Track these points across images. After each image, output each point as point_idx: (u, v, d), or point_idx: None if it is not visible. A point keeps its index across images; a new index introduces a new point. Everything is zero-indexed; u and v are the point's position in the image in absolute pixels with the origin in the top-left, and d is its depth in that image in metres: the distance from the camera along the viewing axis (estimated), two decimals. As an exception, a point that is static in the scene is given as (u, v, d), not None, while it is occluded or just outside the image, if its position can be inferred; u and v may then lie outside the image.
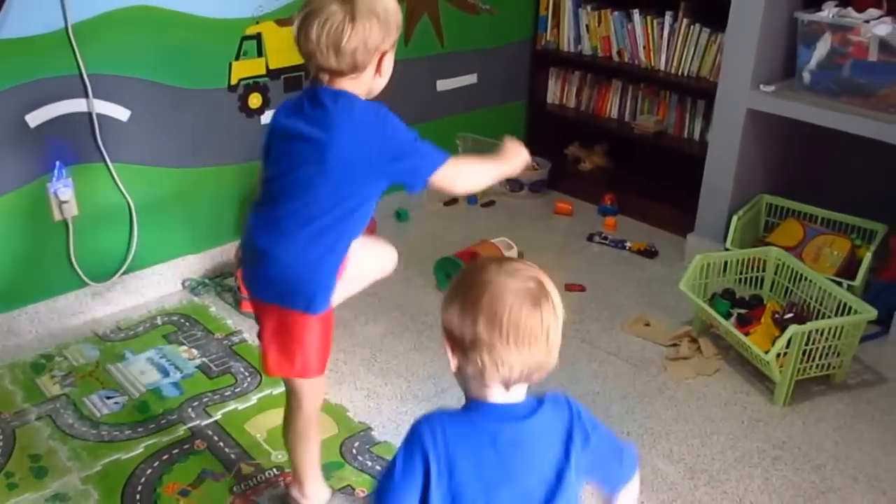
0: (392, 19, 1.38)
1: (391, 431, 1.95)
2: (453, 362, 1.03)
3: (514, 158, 1.54)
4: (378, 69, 1.40)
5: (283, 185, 1.41)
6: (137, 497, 1.74)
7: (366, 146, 1.36)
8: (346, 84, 1.38)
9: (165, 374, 2.14)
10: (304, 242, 1.40)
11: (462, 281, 1.03)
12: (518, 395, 1.04)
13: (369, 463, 1.85)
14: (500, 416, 1.02)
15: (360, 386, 2.11)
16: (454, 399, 2.05)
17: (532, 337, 0.97)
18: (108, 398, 2.04)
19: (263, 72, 2.54)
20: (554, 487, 1.04)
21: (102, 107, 2.21)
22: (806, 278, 2.28)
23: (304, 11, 1.35)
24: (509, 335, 0.97)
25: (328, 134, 1.35)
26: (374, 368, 2.18)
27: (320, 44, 1.34)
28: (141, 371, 2.14)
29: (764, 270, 2.43)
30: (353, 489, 1.78)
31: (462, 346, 0.99)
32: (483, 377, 1.00)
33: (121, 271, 2.38)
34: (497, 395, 1.02)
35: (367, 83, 1.41)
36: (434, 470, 1.00)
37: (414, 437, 1.02)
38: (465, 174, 1.47)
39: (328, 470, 1.81)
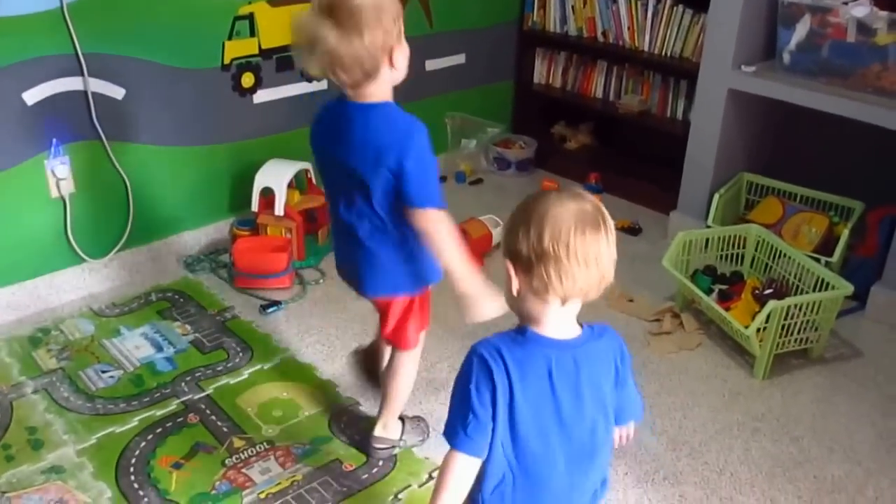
0: (384, 17, 1.31)
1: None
2: (515, 284, 1.04)
3: (471, 292, 1.46)
4: (390, 63, 1.36)
5: None
6: (131, 469, 1.67)
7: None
8: (370, 89, 1.36)
9: (159, 349, 2.05)
10: None
11: (526, 207, 1.05)
12: (571, 317, 1.06)
13: (357, 437, 1.77)
14: (555, 345, 1.05)
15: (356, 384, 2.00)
16: (444, 373, 1.99)
17: (593, 254, 1.00)
18: (104, 372, 1.96)
19: (256, 52, 2.43)
20: (603, 412, 1.09)
21: (98, 85, 2.13)
22: (785, 255, 2.21)
23: (299, 40, 1.31)
24: (574, 251, 0.99)
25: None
26: (366, 342, 2.08)
27: (325, 69, 1.32)
28: (135, 346, 2.06)
29: (744, 247, 2.35)
30: (342, 462, 1.70)
31: (527, 263, 1.00)
32: (546, 292, 1.01)
33: (116, 248, 2.30)
34: (553, 312, 1.04)
35: (387, 80, 1.38)
36: (499, 393, 1.02)
37: (478, 363, 1.03)
38: (443, 231, 1.43)
39: (316, 444, 1.75)
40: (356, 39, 1.27)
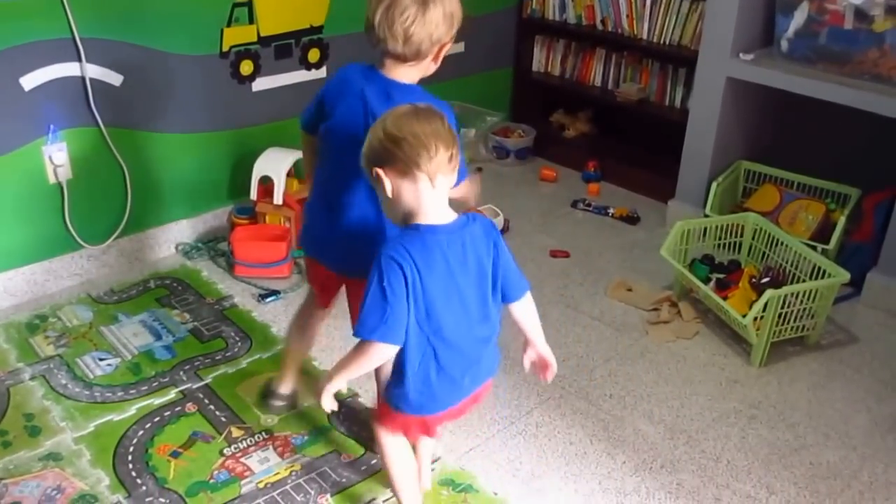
0: (456, 17, 1.44)
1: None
2: (388, 184, 1.19)
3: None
4: (436, 57, 1.45)
5: None
6: (129, 457, 1.64)
7: None
8: (406, 70, 1.42)
9: (158, 336, 2.02)
10: None
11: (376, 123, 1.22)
12: (444, 202, 1.22)
13: (355, 428, 1.74)
14: (443, 230, 1.21)
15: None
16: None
17: (432, 132, 1.17)
18: (101, 360, 1.92)
19: (255, 39, 2.38)
20: (491, 282, 1.27)
21: (96, 71, 2.09)
22: (782, 243, 2.18)
23: (384, 2, 1.38)
24: (418, 132, 1.16)
25: None
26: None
27: (394, 31, 1.37)
28: (133, 333, 2.02)
29: (742, 236, 2.32)
30: (340, 453, 1.68)
31: (388, 155, 1.17)
32: (413, 170, 1.16)
33: (115, 234, 2.26)
34: (428, 196, 1.19)
35: (425, 69, 1.46)
36: (410, 285, 1.18)
37: (387, 263, 1.18)
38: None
39: (314, 434, 1.72)
40: (431, 21, 1.38)
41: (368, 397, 1.83)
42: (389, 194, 1.19)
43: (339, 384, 1.28)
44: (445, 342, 1.24)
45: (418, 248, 1.18)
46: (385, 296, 1.17)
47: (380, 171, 1.18)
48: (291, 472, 1.62)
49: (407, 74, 1.42)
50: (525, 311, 1.35)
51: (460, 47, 2.98)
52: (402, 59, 1.40)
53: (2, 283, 2.10)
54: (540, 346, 1.38)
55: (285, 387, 1.78)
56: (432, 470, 1.62)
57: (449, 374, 1.27)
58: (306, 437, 1.71)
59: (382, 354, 1.22)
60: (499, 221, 2.52)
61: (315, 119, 1.49)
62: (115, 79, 2.13)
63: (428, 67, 1.45)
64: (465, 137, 3.05)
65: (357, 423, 1.75)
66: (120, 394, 1.82)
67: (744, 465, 1.69)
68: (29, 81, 1.98)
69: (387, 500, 1.56)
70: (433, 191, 1.18)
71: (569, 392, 1.88)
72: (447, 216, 1.22)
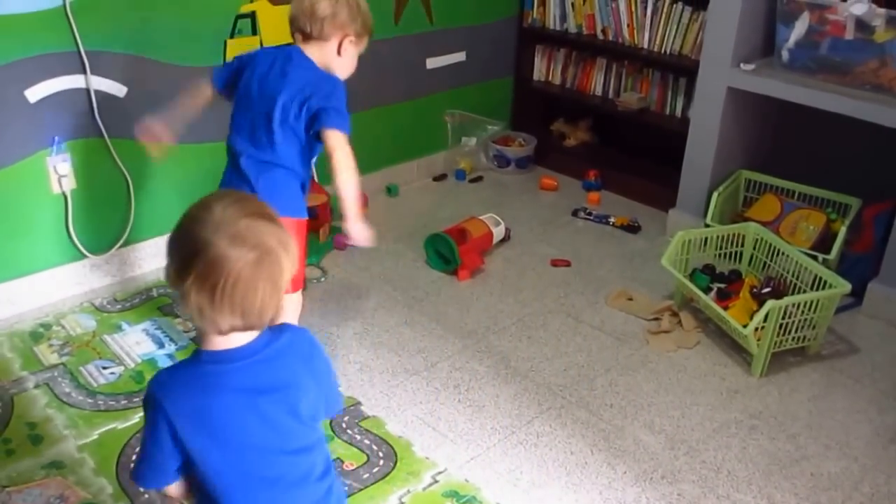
0: (361, 12, 1.63)
1: (382, 405, 1.85)
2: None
3: (354, 219, 1.62)
4: (339, 50, 1.63)
5: None
6: (132, 466, 1.64)
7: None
8: (312, 48, 1.63)
9: (160, 345, 2.03)
10: None
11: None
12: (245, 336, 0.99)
13: (358, 437, 1.75)
14: (228, 359, 0.99)
15: (353, 360, 2.00)
16: (444, 372, 1.97)
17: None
18: (104, 368, 1.93)
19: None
20: (299, 397, 1.03)
21: (100, 83, 2.10)
22: (783, 253, 2.18)
23: None
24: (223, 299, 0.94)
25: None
26: (366, 342, 2.07)
27: (303, 6, 1.60)
28: (136, 342, 2.03)
29: (743, 245, 2.32)
30: (342, 461, 1.68)
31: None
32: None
33: (118, 244, 2.27)
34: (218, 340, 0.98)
35: (328, 56, 1.63)
36: (176, 425, 0.97)
37: (151, 401, 0.98)
38: (347, 156, 1.59)
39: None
40: (335, 3, 1.60)
41: (370, 405, 1.84)
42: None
43: None
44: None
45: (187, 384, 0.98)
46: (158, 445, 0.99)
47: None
48: (293, 481, 1.63)
49: (311, 52, 1.63)
50: None
51: (461, 56, 3.01)
52: (308, 36, 1.62)
53: (6, 292, 2.11)
54: None
55: None
56: (436, 482, 1.64)
57: None
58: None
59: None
60: (500, 230, 2.53)
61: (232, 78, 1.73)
62: (119, 90, 2.14)
63: (333, 60, 1.63)
64: (466, 146, 3.07)
65: (359, 431, 1.75)
66: (123, 402, 1.82)
67: (744, 476, 1.69)
68: (34, 94, 2.00)
69: (388, 510, 1.57)
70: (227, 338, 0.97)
71: (569, 402, 1.88)
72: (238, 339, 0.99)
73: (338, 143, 1.57)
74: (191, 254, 0.92)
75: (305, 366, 1.05)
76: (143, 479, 1.03)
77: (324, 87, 1.60)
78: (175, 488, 1.05)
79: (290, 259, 0.97)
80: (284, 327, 1.06)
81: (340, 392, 1.21)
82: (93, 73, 2.07)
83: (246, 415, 0.99)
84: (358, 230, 1.62)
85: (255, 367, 1.00)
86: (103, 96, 2.12)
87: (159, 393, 0.98)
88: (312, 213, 2.44)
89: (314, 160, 1.71)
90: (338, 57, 1.62)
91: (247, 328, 0.98)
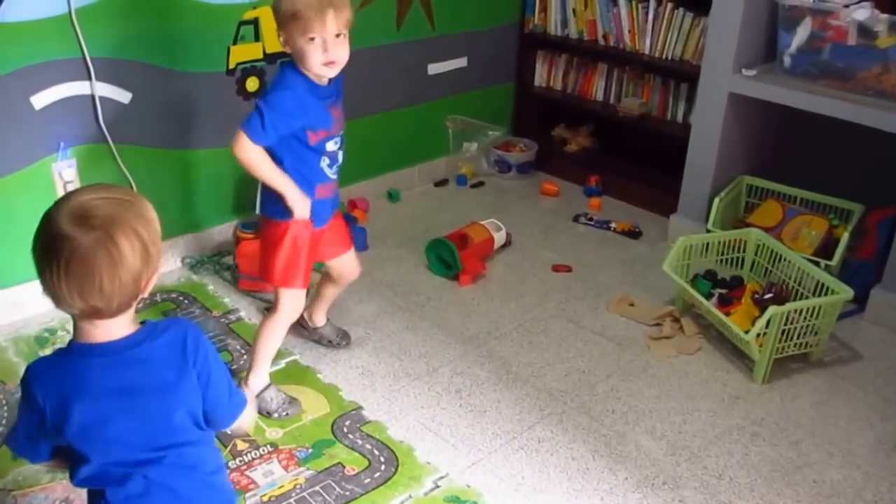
0: (281, 2, 1.58)
1: (383, 409, 1.85)
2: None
3: (294, 199, 1.67)
4: (286, 45, 1.62)
5: None
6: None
7: None
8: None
9: (164, 351, 2.02)
10: None
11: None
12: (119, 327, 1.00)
13: (359, 441, 1.75)
14: (95, 353, 0.99)
15: (355, 364, 2.00)
16: (446, 377, 1.96)
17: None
18: (109, 374, 1.93)
19: (260, 56, 2.39)
20: (169, 404, 1.02)
21: (104, 89, 2.10)
22: (785, 259, 2.17)
23: None
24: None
25: None
26: (368, 347, 2.07)
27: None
28: (141, 348, 2.03)
29: (744, 251, 2.31)
30: (344, 466, 1.68)
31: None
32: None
33: (122, 250, 2.27)
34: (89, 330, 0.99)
35: (293, 52, 1.62)
36: (48, 412, 0.99)
37: (24, 387, 1.01)
38: (246, 147, 1.62)
39: (319, 447, 1.72)
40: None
41: (372, 409, 1.83)
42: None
43: None
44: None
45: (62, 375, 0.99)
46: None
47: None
48: (296, 485, 1.62)
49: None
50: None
51: (463, 62, 3.00)
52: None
53: (11, 297, 2.11)
54: None
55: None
56: (438, 487, 1.63)
57: None
58: (310, 451, 1.71)
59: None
60: (501, 236, 2.52)
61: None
62: (123, 96, 2.15)
63: (294, 54, 1.61)
64: (467, 152, 3.08)
65: (361, 436, 1.75)
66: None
67: (746, 483, 1.68)
68: (40, 100, 2.00)
69: (389, 516, 1.57)
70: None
71: (570, 407, 1.87)
72: (109, 330, 0.99)
73: (235, 140, 1.62)
74: (39, 229, 0.96)
75: (181, 372, 1.01)
76: (17, 449, 1.07)
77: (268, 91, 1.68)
78: (51, 462, 1.09)
79: (138, 250, 0.94)
80: (170, 324, 1.03)
81: (239, 402, 1.12)
82: (98, 79, 2.07)
83: (108, 414, 0.99)
84: (296, 206, 1.68)
85: (120, 367, 0.99)
86: (108, 102, 2.12)
87: (32, 382, 1.00)
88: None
89: (323, 159, 1.70)
90: (291, 52, 1.61)
91: (97, 314, 0.96)
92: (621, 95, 2.98)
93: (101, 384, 0.98)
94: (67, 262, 0.92)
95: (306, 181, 1.70)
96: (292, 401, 1.84)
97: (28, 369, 1.02)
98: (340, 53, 1.60)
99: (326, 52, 1.58)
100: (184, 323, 1.06)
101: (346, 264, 1.92)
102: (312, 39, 1.56)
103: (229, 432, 1.14)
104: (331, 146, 1.71)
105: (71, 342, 1.02)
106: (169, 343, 1.02)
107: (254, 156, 1.62)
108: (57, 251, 0.93)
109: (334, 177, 1.76)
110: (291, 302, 1.78)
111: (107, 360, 0.99)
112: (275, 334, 1.80)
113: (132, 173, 2.23)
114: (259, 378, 1.81)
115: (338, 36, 1.58)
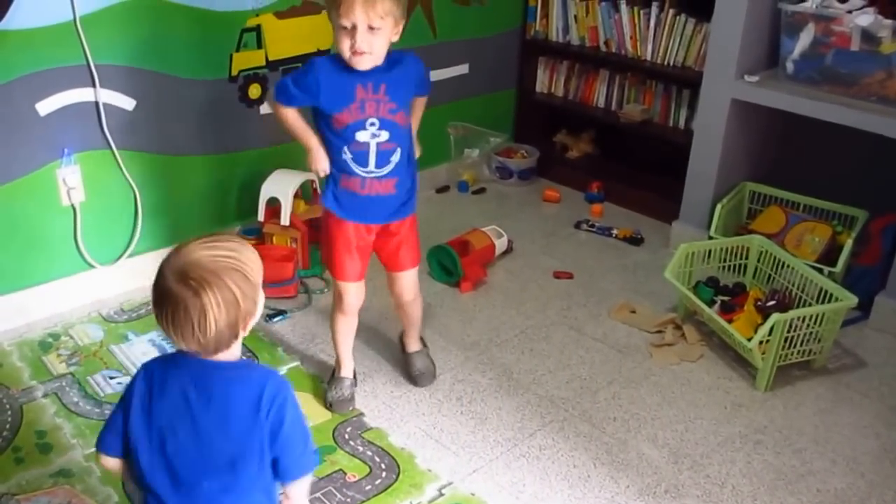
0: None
1: (384, 416, 1.84)
2: None
3: (309, 149, 1.71)
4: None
5: None
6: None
7: None
8: None
9: (166, 357, 2.02)
10: None
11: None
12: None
13: (360, 448, 1.74)
14: (197, 365, 1.11)
15: (357, 370, 1.98)
16: (447, 384, 1.95)
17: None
18: (112, 378, 1.93)
19: (263, 63, 2.40)
20: (239, 443, 1.11)
21: (109, 96, 2.11)
22: (788, 266, 2.16)
23: None
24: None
25: None
26: (369, 353, 2.06)
27: None
28: (143, 352, 2.03)
29: (747, 258, 2.29)
30: (345, 473, 1.67)
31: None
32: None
33: (125, 255, 2.28)
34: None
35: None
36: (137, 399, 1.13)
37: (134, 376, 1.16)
38: (273, 103, 1.71)
39: (320, 454, 1.71)
40: None
41: (373, 416, 1.83)
42: None
43: None
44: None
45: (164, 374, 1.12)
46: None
47: None
48: (296, 493, 1.62)
49: None
50: (290, 497, 1.17)
51: (464, 68, 3.00)
52: None
53: (16, 302, 2.11)
54: None
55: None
56: (442, 495, 1.62)
57: None
58: (311, 459, 1.71)
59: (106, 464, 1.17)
60: (503, 242, 2.51)
61: None
62: (127, 103, 2.15)
63: None
64: (468, 158, 3.07)
65: (362, 442, 1.74)
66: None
67: (749, 491, 1.66)
68: (45, 107, 2.02)
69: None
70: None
71: (572, 414, 1.86)
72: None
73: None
74: (155, 279, 1.09)
75: (252, 420, 1.10)
76: (99, 436, 1.17)
77: None
78: (113, 463, 1.16)
79: (230, 301, 1.06)
80: (259, 372, 1.16)
81: (308, 461, 1.17)
82: (102, 86, 2.08)
83: (180, 417, 1.10)
84: (310, 156, 1.72)
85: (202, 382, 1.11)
86: (112, 109, 2.13)
87: (141, 370, 1.15)
88: (317, 225, 2.45)
89: (345, 150, 1.67)
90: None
91: (201, 353, 1.10)
92: (623, 102, 2.97)
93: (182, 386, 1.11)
94: (172, 314, 1.06)
95: (333, 164, 1.70)
96: (347, 402, 1.85)
97: (147, 362, 1.17)
98: (368, 45, 1.55)
99: (353, 41, 1.55)
100: (271, 374, 1.15)
101: (394, 282, 1.86)
102: (343, 27, 1.55)
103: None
104: (361, 136, 1.63)
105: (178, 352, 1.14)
106: (248, 388, 1.12)
107: (278, 111, 1.71)
108: (163, 304, 1.08)
109: (366, 174, 1.67)
110: (338, 291, 1.80)
111: (194, 372, 1.12)
112: (332, 324, 1.87)
113: (135, 179, 2.23)
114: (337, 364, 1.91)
115: (371, 29, 1.54)
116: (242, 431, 1.10)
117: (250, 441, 1.10)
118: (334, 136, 1.66)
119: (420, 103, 1.82)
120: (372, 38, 1.55)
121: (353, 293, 1.80)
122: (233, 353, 1.12)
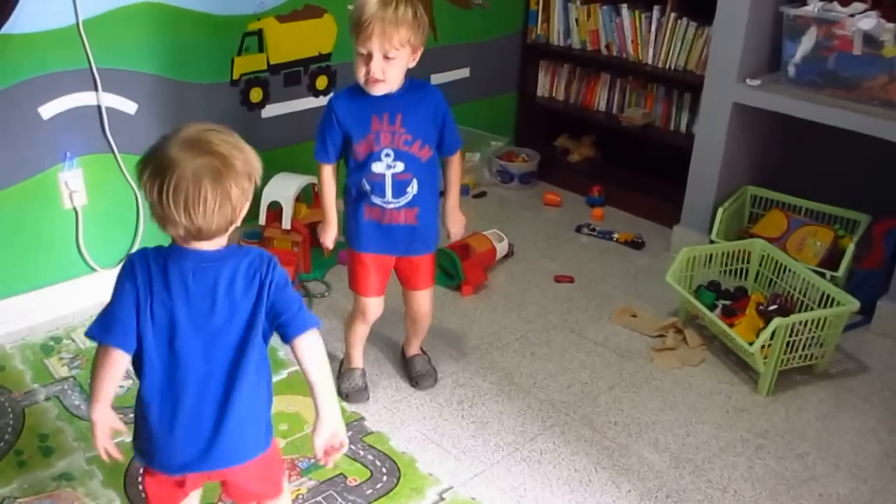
0: (353, 11, 1.60)
1: (385, 420, 1.83)
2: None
3: (323, 223, 1.81)
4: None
5: None
6: (139, 478, 1.63)
7: None
8: None
9: (167, 360, 2.02)
10: None
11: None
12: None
13: (361, 452, 1.73)
14: (193, 257, 1.14)
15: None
16: (448, 388, 1.95)
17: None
18: (113, 382, 1.93)
19: (264, 67, 2.41)
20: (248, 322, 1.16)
21: (111, 100, 2.12)
22: (790, 270, 2.15)
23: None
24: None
25: None
26: (369, 357, 2.05)
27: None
28: (144, 356, 2.03)
29: (748, 262, 2.29)
30: (346, 477, 1.66)
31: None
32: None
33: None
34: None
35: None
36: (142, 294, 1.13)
37: (125, 266, 1.16)
38: (318, 167, 1.75)
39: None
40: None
41: (373, 420, 1.82)
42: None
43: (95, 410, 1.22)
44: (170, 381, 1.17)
45: (162, 266, 1.14)
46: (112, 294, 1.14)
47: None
48: (297, 495, 1.60)
49: None
50: (304, 353, 1.22)
51: (465, 72, 3.01)
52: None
53: (18, 306, 2.12)
54: (325, 417, 1.21)
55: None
56: (443, 500, 1.61)
57: (162, 423, 1.20)
58: (312, 461, 1.69)
59: (105, 359, 1.16)
60: (503, 246, 2.51)
61: None
62: (129, 107, 2.16)
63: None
64: (469, 162, 3.06)
65: (362, 446, 1.74)
66: (131, 415, 1.80)
67: (751, 496, 1.65)
68: (47, 111, 2.02)
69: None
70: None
71: (573, 419, 1.85)
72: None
73: None
74: (148, 153, 1.08)
75: (249, 286, 1.14)
76: (92, 327, 1.15)
77: None
78: (118, 355, 1.15)
79: (241, 178, 1.09)
80: (252, 250, 1.18)
81: (307, 315, 1.25)
82: (104, 90, 2.08)
83: (181, 305, 1.12)
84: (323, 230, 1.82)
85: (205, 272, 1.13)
86: (114, 113, 2.13)
87: (135, 260, 1.15)
88: (315, 228, 2.46)
89: (364, 182, 1.69)
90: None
91: (196, 235, 1.11)
92: (624, 105, 2.97)
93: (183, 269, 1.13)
94: (176, 184, 1.04)
95: (359, 194, 1.71)
96: (361, 391, 1.90)
97: (134, 254, 1.18)
98: (382, 73, 1.58)
99: (369, 68, 1.57)
100: (258, 248, 1.21)
101: (411, 299, 1.87)
102: (361, 53, 1.58)
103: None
104: (377, 167, 1.66)
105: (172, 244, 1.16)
106: (238, 259, 1.15)
107: (320, 175, 1.75)
108: (164, 172, 1.05)
109: (386, 205, 1.70)
110: (360, 304, 1.84)
111: (196, 265, 1.13)
112: (349, 328, 1.92)
113: (137, 183, 2.23)
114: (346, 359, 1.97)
115: (387, 58, 1.56)
116: (238, 299, 1.14)
117: (246, 310, 1.14)
118: (355, 165, 1.69)
119: (453, 166, 1.80)
120: (387, 67, 1.58)
121: (375, 306, 1.83)
122: (222, 242, 1.15)
